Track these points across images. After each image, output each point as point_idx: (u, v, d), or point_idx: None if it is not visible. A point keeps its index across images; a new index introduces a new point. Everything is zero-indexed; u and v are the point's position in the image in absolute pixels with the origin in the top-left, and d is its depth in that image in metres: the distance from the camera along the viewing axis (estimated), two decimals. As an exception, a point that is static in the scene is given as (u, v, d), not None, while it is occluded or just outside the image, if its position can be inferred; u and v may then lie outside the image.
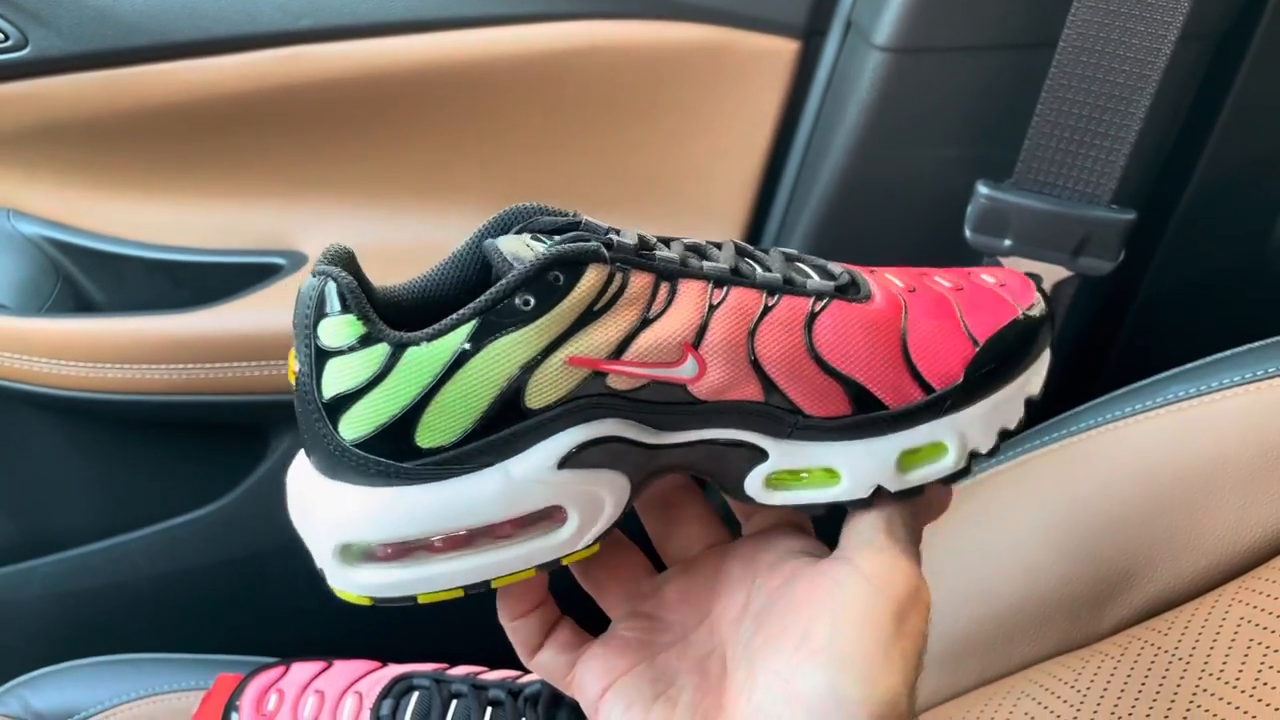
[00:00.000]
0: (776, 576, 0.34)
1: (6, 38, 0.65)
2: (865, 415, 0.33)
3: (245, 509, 0.74)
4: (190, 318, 0.69)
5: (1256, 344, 0.50)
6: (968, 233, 0.61)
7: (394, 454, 0.30)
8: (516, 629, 0.37)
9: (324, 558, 0.32)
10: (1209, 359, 0.51)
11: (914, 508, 0.35)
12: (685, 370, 0.32)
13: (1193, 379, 0.50)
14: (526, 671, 0.53)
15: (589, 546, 0.33)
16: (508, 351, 0.30)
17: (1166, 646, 0.45)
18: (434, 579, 0.32)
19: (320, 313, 0.29)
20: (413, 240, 0.72)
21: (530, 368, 0.30)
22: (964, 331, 0.35)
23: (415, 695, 0.51)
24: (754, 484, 0.34)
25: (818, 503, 0.34)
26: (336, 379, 0.30)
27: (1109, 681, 0.45)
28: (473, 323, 0.30)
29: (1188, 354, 0.52)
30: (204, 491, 0.74)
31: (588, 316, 0.30)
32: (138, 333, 0.68)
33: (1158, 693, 0.43)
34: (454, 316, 0.30)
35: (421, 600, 0.32)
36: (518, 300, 0.30)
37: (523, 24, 0.66)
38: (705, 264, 0.32)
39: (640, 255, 0.31)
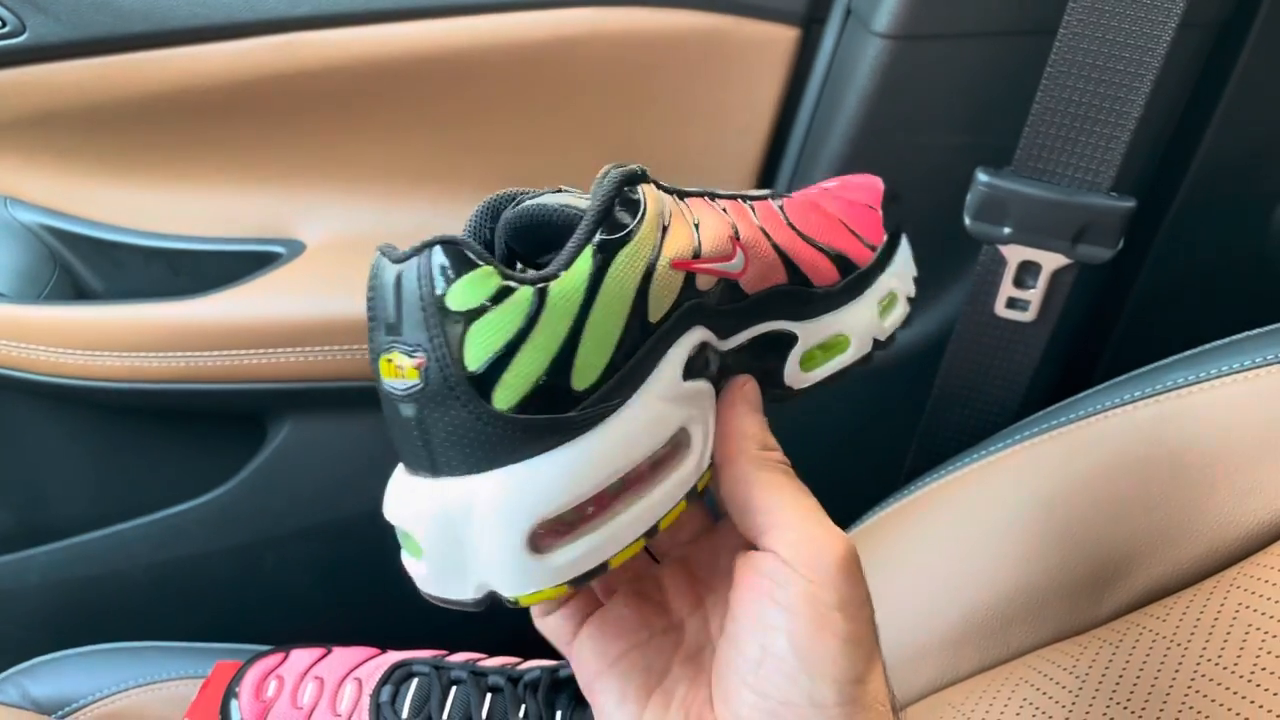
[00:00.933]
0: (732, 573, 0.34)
1: (4, 24, 0.64)
2: (849, 277, 0.39)
3: (243, 498, 0.74)
4: (188, 306, 0.69)
5: (1256, 331, 0.50)
6: (967, 220, 0.61)
7: (556, 407, 0.28)
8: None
9: (513, 560, 0.29)
10: (1208, 346, 0.51)
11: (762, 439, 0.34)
12: (736, 264, 0.34)
13: (1192, 366, 0.50)
14: (525, 659, 0.54)
15: (708, 467, 0.33)
16: (629, 263, 0.29)
17: (1165, 633, 0.45)
18: (618, 534, 0.30)
19: (448, 280, 0.27)
20: (411, 228, 0.72)
21: (648, 276, 0.30)
22: (855, 209, 0.42)
23: (414, 682, 0.51)
24: (791, 370, 0.37)
25: (838, 370, 0.39)
26: (483, 344, 0.27)
27: (1107, 668, 0.45)
28: (593, 243, 0.29)
29: (1187, 341, 0.52)
30: (202, 480, 0.74)
31: (663, 226, 0.31)
32: (136, 321, 0.68)
33: (1155, 679, 0.43)
34: (572, 244, 0.29)
35: (614, 565, 0.30)
36: (618, 214, 0.30)
37: (522, 11, 0.66)
38: (687, 187, 0.35)
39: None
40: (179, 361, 0.68)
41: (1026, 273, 0.62)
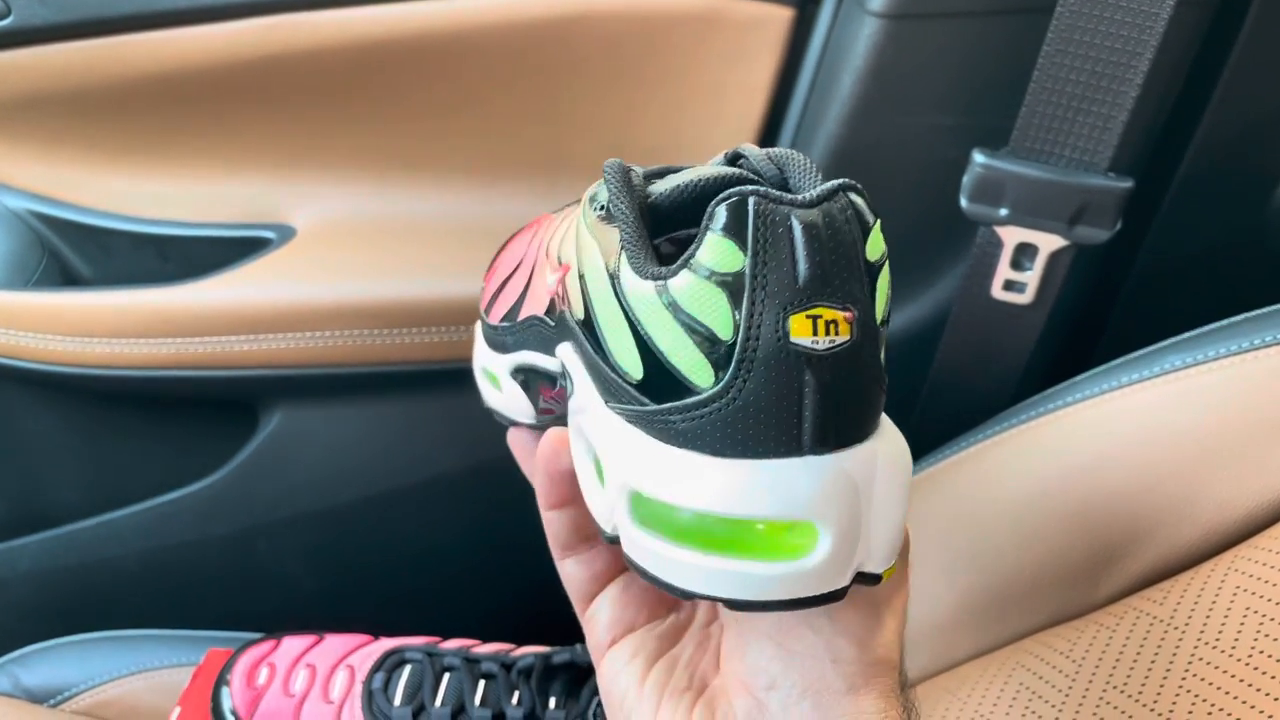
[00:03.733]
0: None
1: (-11, 7, 0.64)
2: None
3: (235, 485, 0.73)
4: (178, 291, 0.68)
5: (1253, 313, 0.50)
6: (963, 202, 0.60)
7: None
8: (553, 519, 0.35)
9: (898, 531, 0.28)
10: (1206, 329, 0.51)
11: None
12: None
13: (1189, 349, 0.50)
14: (518, 645, 0.54)
15: None
16: None
17: (1162, 616, 0.45)
18: None
19: (864, 228, 0.26)
20: (403, 212, 0.72)
21: None
22: None
23: (407, 669, 0.51)
24: None
25: None
26: (884, 295, 0.27)
27: (1104, 651, 0.45)
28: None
29: (1185, 323, 0.52)
30: (193, 467, 0.74)
31: None
32: (125, 307, 0.68)
33: (1153, 661, 0.43)
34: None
35: None
36: None
37: (513, -8, 0.66)
38: None
39: None
40: (169, 348, 0.68)
41: (1023, 255, 0.61)
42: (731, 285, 0.25)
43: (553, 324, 0.34)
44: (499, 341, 0.40)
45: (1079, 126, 0.57)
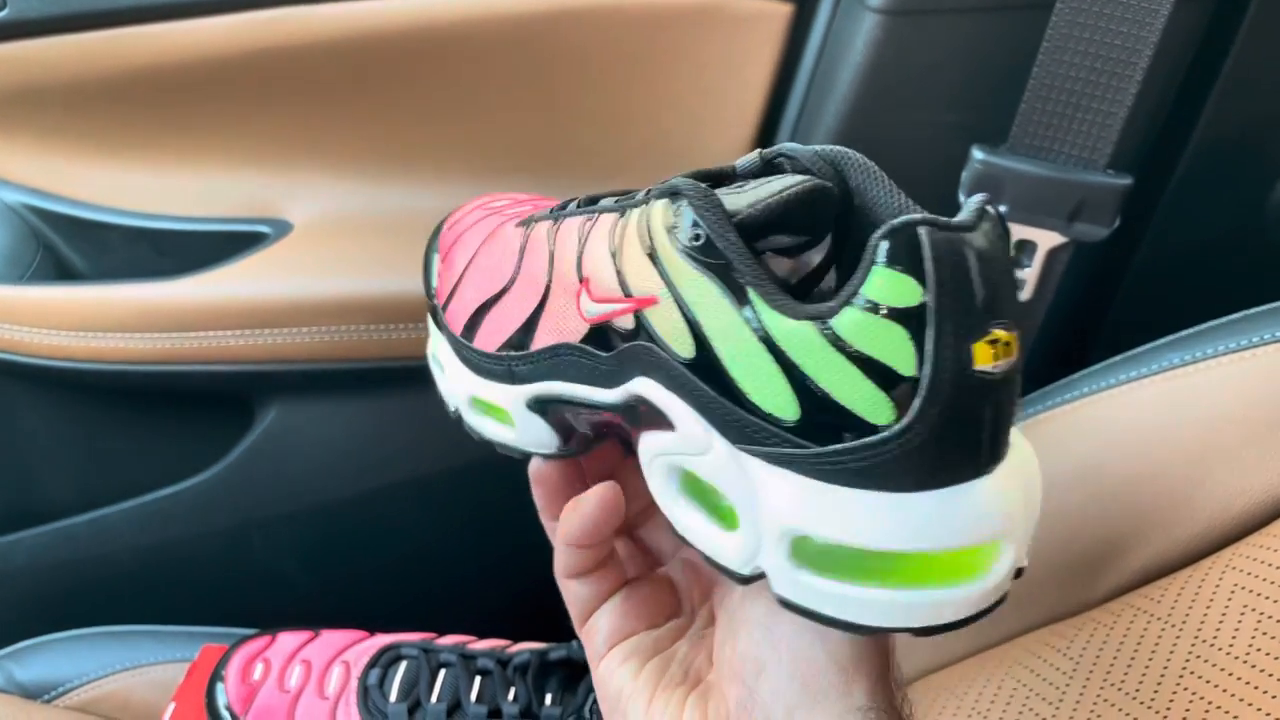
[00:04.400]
0: None
1: (-16, -1, 0.64)
2: None
3: (230, 480, 0.73)
4: (174, 286, 0.68)
5: (1251, 311, 0.50)
6: (962, 198, 0.60)
7: None
8: (570, 554, 0.36)
9: (1032, 529, 0.29)
10: (1203, 326, 0.51)
11: None
12: None
13: (1187, 346, 0.50)
14: (515, 641, 0.53)
15: None
16: None
17: (1160, 614, 0.45)
18: None
19: (1007, 242, 0.27)
20: (400, 207, 0.71)
21: None
22: None
23: (403, 665, 0.51)
24: None
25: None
26: None
27: (1101, 649, 0.45)
28: None
29: (1183, 321, 0.52)
30: (189, 463, 0.74)
31: None
32: (120, 301, 0.68)
33: (1150, 660, 0.43)
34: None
35: None
36: None
37: (512, -15, 0.66)
38: None
39: None
40: (164, 343, 0.68)
41: (1022, 251, 0.61)
42: (909, 318, 0.25)
43: (607, 356, 0.32)
44: (501, 371, 0.36)
45: (1078, 123, 0.57)
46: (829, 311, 0.26)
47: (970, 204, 0.26)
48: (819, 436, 0.26)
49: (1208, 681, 0.40)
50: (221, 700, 0.51)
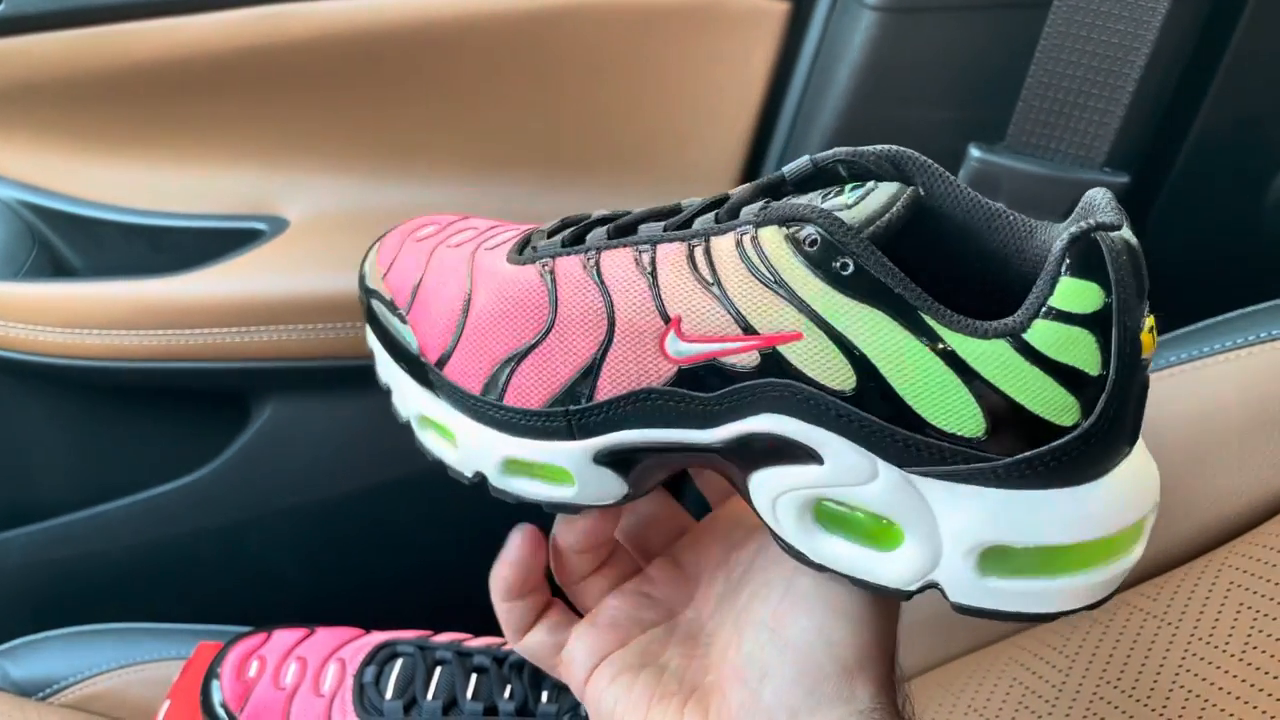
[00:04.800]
0: (751, 544, 0.35)
1: (-21, -5, 0.63)
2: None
3: (226, 478, 0.73)
4: (170, 283, 0.68)
5: (1250, 309, 0.50)
6: (960, 198, 0.60)
7: None
8: (510, 610, 0.36)
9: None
10: (1202, 324, 0.51)
11: None
12: None
13: (1186, 344, 0.50)
14: (511, 639, 0.53)
15: None
16: None
17: (1156, 611, 0.45)
18: None
19: None
20: (396, 204, 0.71)
21: None
22: None
23: (399, 662, 0.51)
24: None
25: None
26: None
27: (1098, 647, 0.45)
28: None
29: (1179, 318, 0.52)
30: (185, 460, 0.74)
31: None
32: (116, 298, 0.68)
33: (1146, 657, 0.43)
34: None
35: None
36: None
37: (508, -17, 0.65)
38: None
39: None
40: (160, 340, 0.67)
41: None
42: (1095, 322, 0.26)
43: (710, 396, 0.30)
44: (558, 428, 0.33)
45: (1075, 121, 0.57)
46: (1018, 326, 0.26)
47: (1099, 199, 0.27)
48: (1004, 447, 0.27)
49: (1204, 679, 0.41)
50: (217, 698, 0.51)
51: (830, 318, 0.28)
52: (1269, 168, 0.68)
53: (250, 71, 0.67)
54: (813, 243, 0.28)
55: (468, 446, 0.35)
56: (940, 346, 0.27)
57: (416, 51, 0.67)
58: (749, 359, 0.29)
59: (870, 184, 0.30)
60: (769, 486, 0.30)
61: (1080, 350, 0.26)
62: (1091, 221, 0.26)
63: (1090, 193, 0.28)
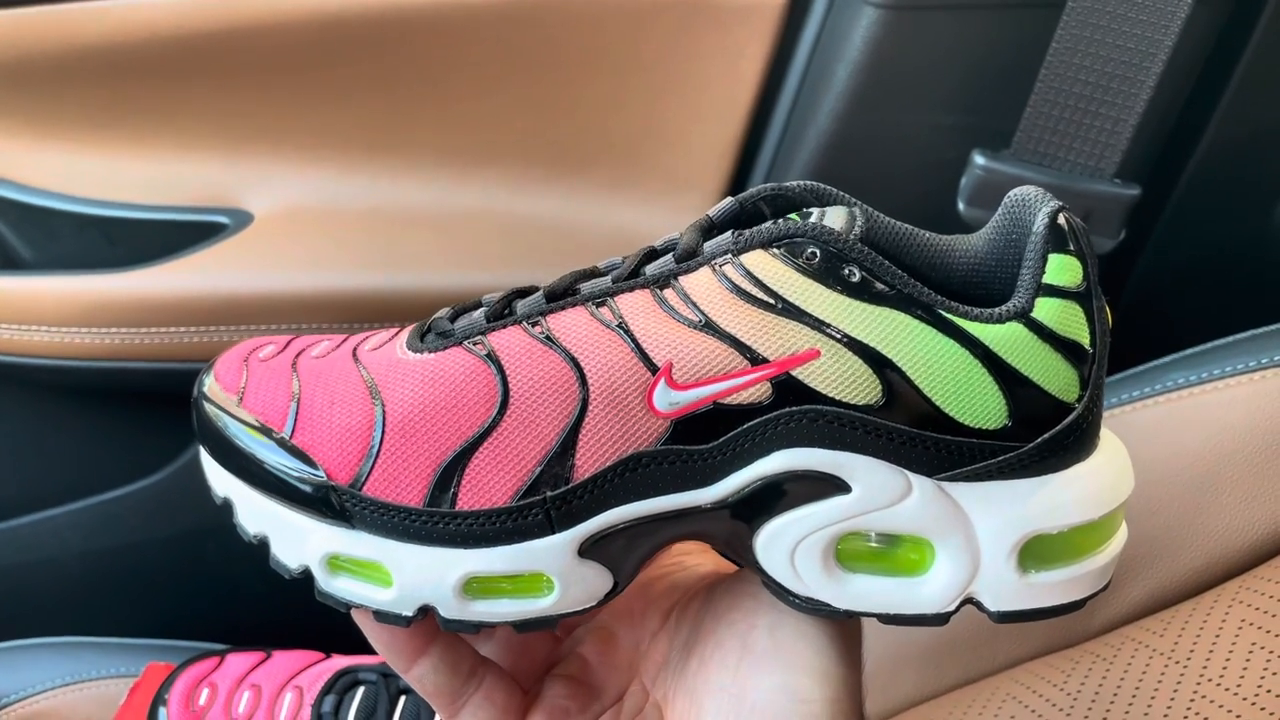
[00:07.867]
0: (690, 604, 0.34)
1: (-81, -30, 0.62)
2: None
3: (183, 484, 0.72)
4: (125, 278, 0.67)
5: (1260, 330, 0.49)
6: (960, 205, 0.59)
7: None
8: (423, 678, 0.33)
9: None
10: (1210, 345, 0.50)
11: None
12: None
13: (1193, 366, 0.49)
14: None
15: None
16: None
17: (1162, 648, 0.43)
18: None
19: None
20: (366, 201, 0.70)
21: None
22: None
23: (360, 691, 0.50)
24: None
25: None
26: None
27: (1101, 684, 0.44)
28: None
29: (1186, 336, 0.51)
30: (139, 464, 0.73)
31: None
32: (68, 293, 0.67)
33: (1153, 698, 0.42)
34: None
35: None
36: None
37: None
38: None
39: None
40: (115, 338, 0.67)
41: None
42: (1082, 296, 0.28)
43: (709, 448, 0.29)
44: (533, 523, 0.29)
45: (1086, 130, 0.56)
46: (1024, 306, 0.28)
47: (1029, 192, 0.29)
48: (1024, 434, 0.28)
49: (1216, 726, 0.39)
50: (164, 726, 0.49)
51: (849, 328, 0.28)
52: (1277, 181, 0.67)
53: (212, 55, 0.65)
54: (812, 256, 0.28)
55: (410, 579, 0.30)
56: (966, 338, 0.27)
57: (393, 38, 0.66)
58: (759, 392, 0.28)
59: (816, 209, 0.31)
60: (787, 535, 0.29)
61: (1078, 324, 0.28)
62: (1052, 205, 0.28)
63: (1018, 189, 0.30)
